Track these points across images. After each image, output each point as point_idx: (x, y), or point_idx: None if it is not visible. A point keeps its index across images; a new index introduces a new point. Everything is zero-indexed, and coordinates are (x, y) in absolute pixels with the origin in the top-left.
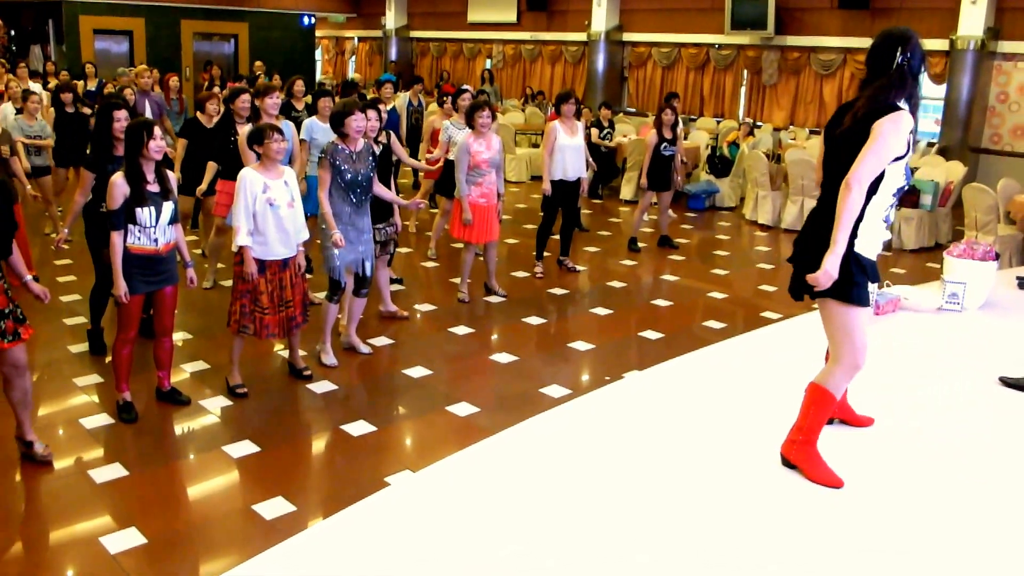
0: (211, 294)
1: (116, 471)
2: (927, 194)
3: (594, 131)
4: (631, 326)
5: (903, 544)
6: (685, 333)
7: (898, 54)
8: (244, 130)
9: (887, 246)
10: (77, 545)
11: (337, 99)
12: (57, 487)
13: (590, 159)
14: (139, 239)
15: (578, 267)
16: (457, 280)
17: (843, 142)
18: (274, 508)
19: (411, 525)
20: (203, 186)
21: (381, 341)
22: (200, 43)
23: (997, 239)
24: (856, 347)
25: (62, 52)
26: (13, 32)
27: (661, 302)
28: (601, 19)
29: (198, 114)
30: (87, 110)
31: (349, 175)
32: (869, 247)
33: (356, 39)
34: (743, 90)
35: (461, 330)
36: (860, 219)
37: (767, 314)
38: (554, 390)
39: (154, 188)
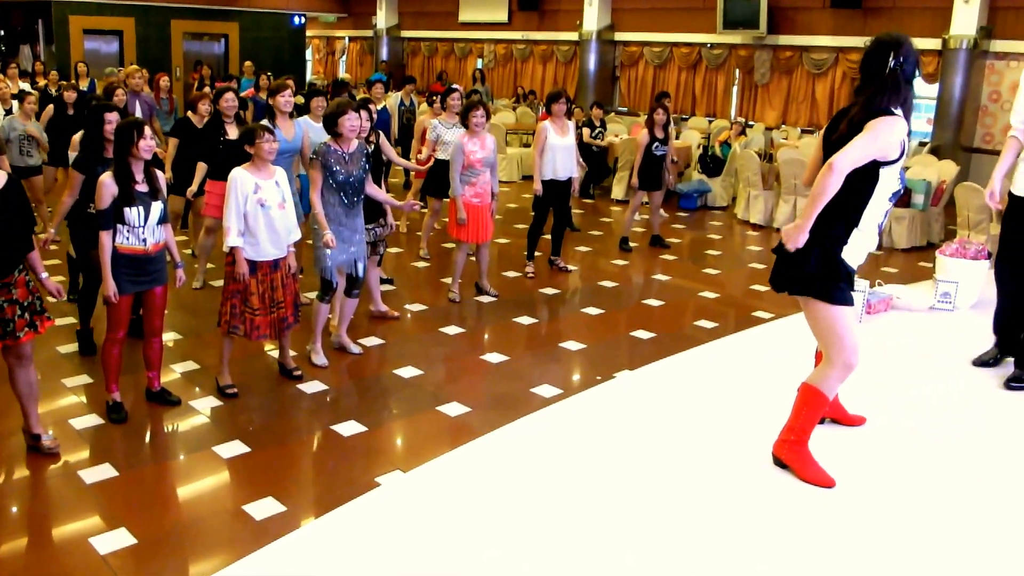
0: (201, 294)
1: (106, 471)
2: (919, 193)
3: (585, 131)
4: (622, 326)
5: (896, 543)
6: (676, 333)
7: (890, 59)
8: (231, 130)
9: (879, 245)
10: (66, 545)
11: (328, 99)
12: (47, 487)
13: (580, 159)
14: (128, 239)
15: (569, 267)
16: (448, 280)
17: (837, 147)
18: (264, 508)
19: (401, 525)
20: (193, 187)
21: (372, 341)
22: (190, 43)
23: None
24: (847, 348)
25: (51, 52)
26: (2, 32)
27: (652, 302)
28: (592, 18)
29: (189, 114)
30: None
31: (341, 176)
32: (855, 255)
33: (347, 39)
34: (735, 89)
35: (452, 330)
36: (855, 225)
37: (758, 314)
38: (545, 390)
39: (143, 188)
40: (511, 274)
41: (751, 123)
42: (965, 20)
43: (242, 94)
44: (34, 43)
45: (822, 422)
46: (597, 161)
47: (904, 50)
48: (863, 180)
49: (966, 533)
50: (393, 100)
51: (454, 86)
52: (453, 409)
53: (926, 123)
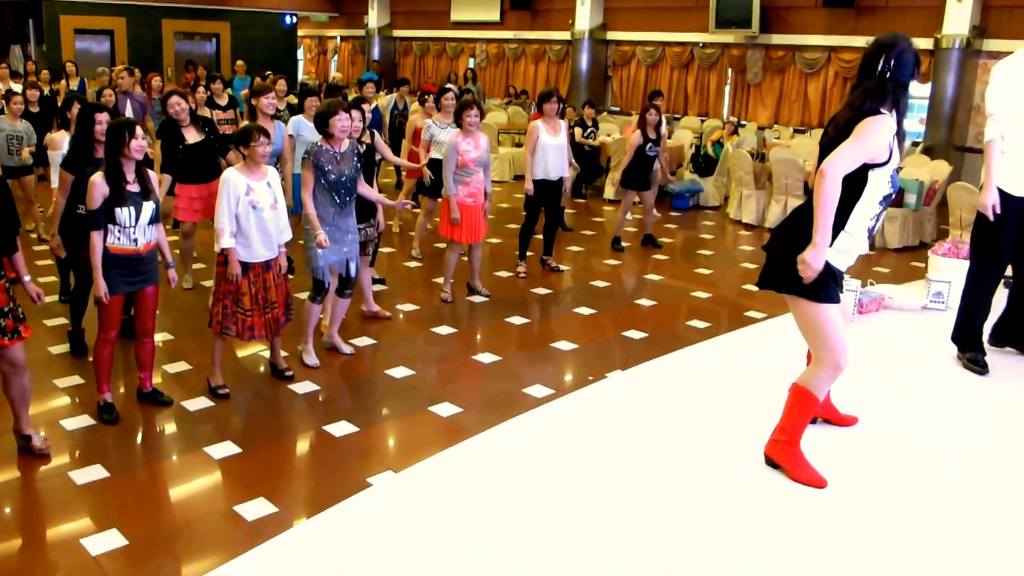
0: (191, 295)
1: (97, 472)
2: (912, 193)
3: (577, 130)
4: (614, 326)
5: (889, 543)
6: (669, 333)
7: (881, 61)
8: (189, 134)
9: (871, 245)
10: (58, 547)
11: (321, 99)
12: (38, 489)
13: (573, 159)
14: (119, 239)
15: (561, 267)
16: (440, 280)
17: (825, 151)
18: (256, 509)
19: (393, 526)
20: (159, 196)
21: (364, 341)
22: (181, 42)
23: None
24: (835, 348)
25: (42, 52)
26: None
27: (645, 302)
28: (585, 18)
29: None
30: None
31: (333, 176)
32: (842, 258)
33: (339, 38)
34: (727, 89)
35: (444, 330)
36: (842, 228)
37: (751, 314)
38: (537, 390)
39: (134, 188)
40: (503, 274)
41: (743, 122)
42: (958, 19)
43: (241, 94)
44: (25, 43)
45: (814, 422)
46: (589, 161)
47: (898, 51)
48: (851, 184)
49: (960, 533)
50: (385, 102)
51: (448, 86)
52: (445, 409)
53: (919, 123)
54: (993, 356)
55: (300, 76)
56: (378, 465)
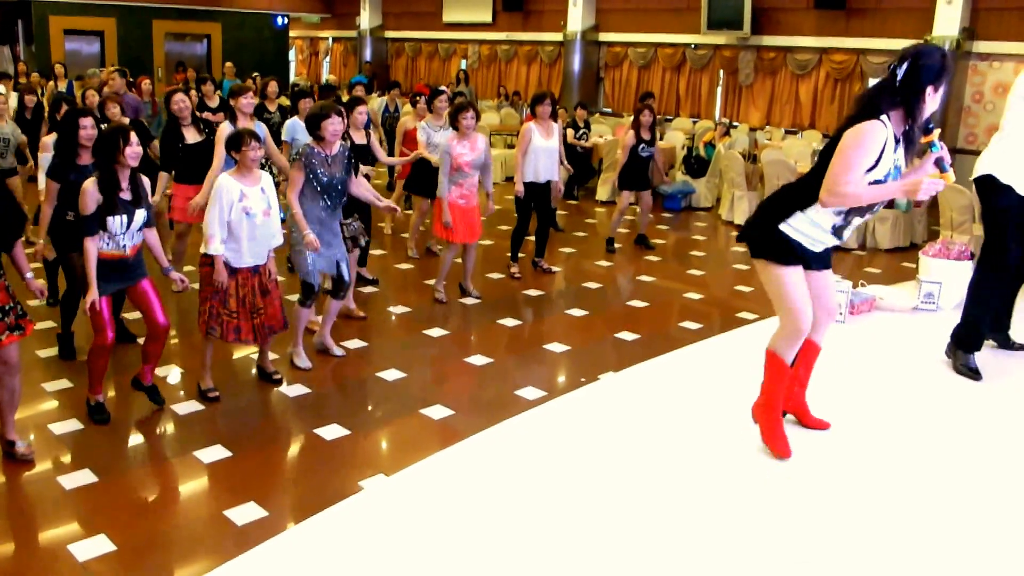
0: (183, 297)
1: (85, 477)
2: None
3: (570, 132)
4: (607, 327)
5: (882, 546)
6: (661, 334)
7: (900, 66)
8: (189, 134)
9: (862, 245)
10: (45, 553)
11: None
12: (25, 493)
13: (565, 162)
14: (107, 245)
15: (553, 268)
16: (432, 281)
17: (825, 154)
18: (245, 513)
19: (385, 530)
20: (156, 196)
21: (355, 344)
22: (172, 43)
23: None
24: (795, 311)
25: (31, 53)
26: None
27: (637, 303)
28: (577, 19)
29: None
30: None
31: (325, 178)
32: (803, 239)
33: (330, 39)
34: (719, 90)
35: (436, 332)
36: (802, 209)
37: (743, 315)
38: (529, 392)
39: (127, 195)
40: (496, 275)
41: (735, 124)
42: (947, 21)
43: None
44: (14, 44)
45: (782, 415)
46: (581, 162)
47: (918, 57)
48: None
49: (953, 534)
50: (377, 105)
51: (441, 88)
52: (437, 412)
53: None
54: (980, 354)
55: (292, 77)
56: (369, 468)
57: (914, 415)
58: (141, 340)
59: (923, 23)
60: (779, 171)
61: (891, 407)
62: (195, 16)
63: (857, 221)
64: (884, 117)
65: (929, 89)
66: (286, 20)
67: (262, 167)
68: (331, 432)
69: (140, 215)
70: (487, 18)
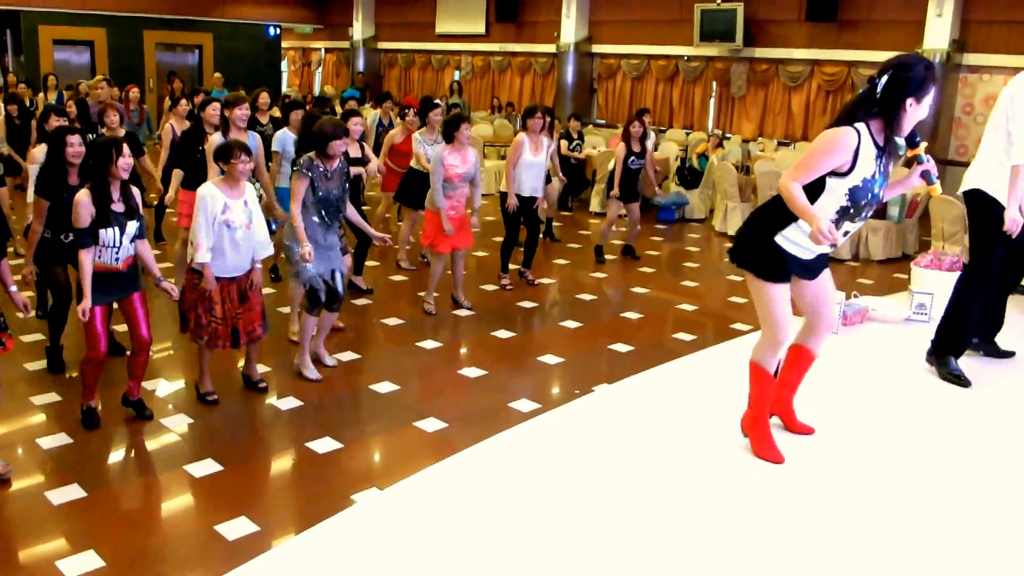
0: (175, 307)
1: (74, 492)
2: (894, 205)
3: (563, 143)
4: (600, 339)
5: (877, 551)
6: (655, 345)
7: (878, 78)
8: (213, 138)
9: (855, 256)
10: (32, 569)
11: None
12: (12, 509)
13: (560, 172)
14: (100, 257)
15: (536, 281)
16: (424, 293)
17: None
18: (237, 528)
19: (378, 544)
20: (171, 193)
21: (347, 356)
22: (163, 54)
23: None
24: (774, 321)
25: (20, 63)
26: None
27: (631, 314)
28: (570, 31)
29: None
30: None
31: (321, 193)
32: (797, 250)
33: (323, 50)
34: (712, 102)
35: (429, 344)
36: (794, 220)
37: (737, 326)
38: (523, 404)
39: (119, 208)
40: (489, 287)
41: (728, 135)
42: (938, 34)
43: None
44: (3, 54)
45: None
46: (575, 173)
47: (899, 68)
48: (808, 188)
49: (946, 539)
50: (370, 119)
51: (436, 101)
52: (430, 424)
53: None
54: (966, 362)
55: (284, 88)
56: (362, 482)
57: (907, 424)
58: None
59: (914, 35)
60: (772, 182)
61: (884, 416)
62: (186, 26)
63: (847, 226)
64: (860, 125)
65: (909, 100)
66: (278, 31)
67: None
68: (323, 445)
69: (132, 227)
70: (480, 29)
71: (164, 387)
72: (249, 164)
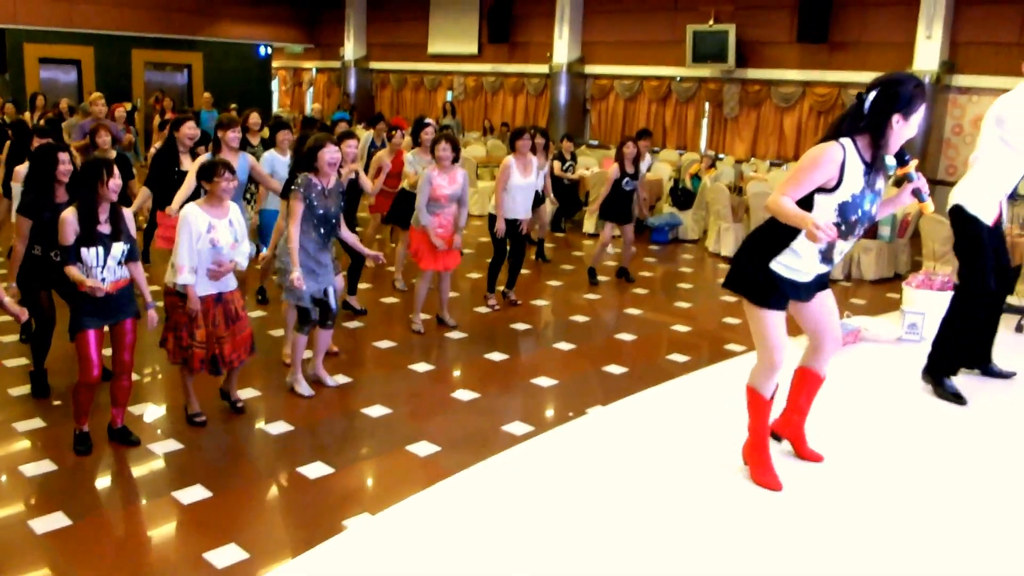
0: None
1: (59, 520)
2: (885, 225)
3: (556, 164)
4: (594, 361)
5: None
6: (649, 367)
7: (866, 95)
8: (185, 161)
9: (847, 276)
10: None
11: (293, 132)
12: None
13: (552, 194)
14: (86, 277)
15: (519, 301)
16: (424, 316)
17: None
18: (226, 556)
19: (369, 571)
20: (133, 207)
21: (339, 379)
22: (152, 73)
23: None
24: (770, 346)
25: (6, 81)
26: None
27: (624, 336)
28: (563, 51)
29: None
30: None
31: (320, 211)
32: (793, 274)
33: (314, 70)
34: (705, 122)
35: (421, 367)
36: (787, 245)
37: (731, 347)
38: (516, 427)
39: (105, 229)
40: (481, 309)
41: (721, 156)
42: (927, 55)
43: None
44: None
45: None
46: (568, 194)
47: (888, 85)
48: (798, 205)
49: (936, 564)
50: (364, 140)
51: (427, 120)
52: (422, 448)
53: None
54: (964, 380)
55: (275, 108)
56: (354, 507)
57: (902, 444)
58: None
59: (904, 57)
60: (764, 203)
61: (879, 437)
62: (175, 45)
63: (840, 245)
64: (846, 140)
65: (896, 117)
66: (269, 50)
67: (248, 198)
68: (314, 470)
69: (118, 248)
70: (473, 50)
71: (152, 412)
72: (233, 182)
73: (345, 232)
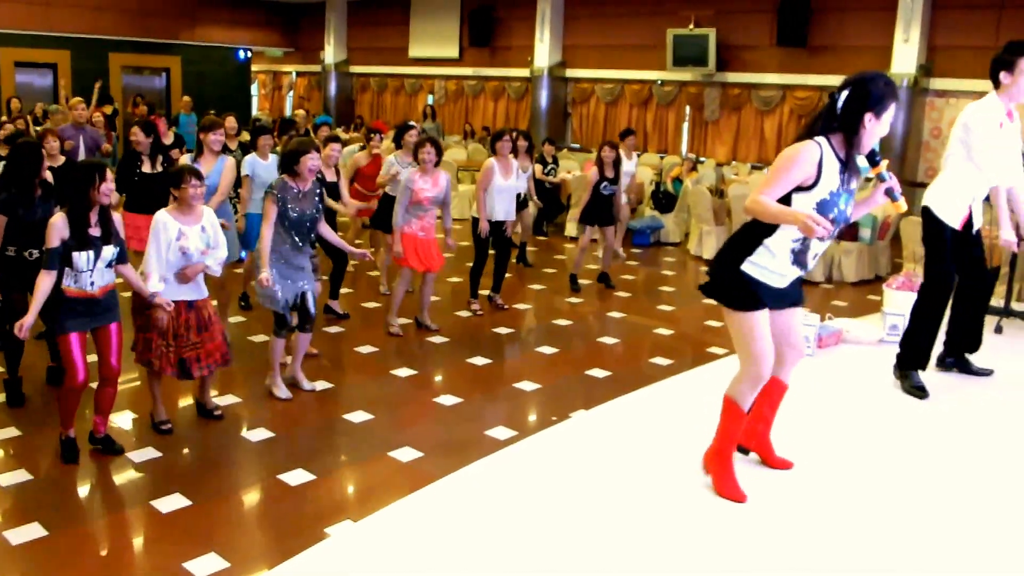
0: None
1: (34, 531)
2: (866, 228)
3: (538, 167)
4: (577, 364)
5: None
6: (632, 371)
7: (838, 94)
8: (146, 164)
9: (828, 278)
10: None
11: (275, 136)
12: None
13: (535, 196)
14: (74, 283)
15: (506, 305)
16: (403, 320)
17: None
18: (206, 565)
19: None
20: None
21: (321, 384)
22: (130, 77)
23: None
24: (753, 355)
25: None
26: None
27: (607, 339)
28: (544, 55)
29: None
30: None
31: (295, 214)
32: (766, 275)
33: (294, 74)
34: (686, 126)
35: (403, 372)
36: (760, 243)
37: (713, 349)
38: (500, 432)
39: (96, 232)
40: (463, 313)
41: (702, 159)
42: (905, 59)
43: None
44: None
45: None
46: (550, 198)
47: (860, 83)
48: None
49: (916, 566)
50: (350, 146)
51: (411, 123)
52: (405, 454)
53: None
54: (941, 380)
55: (254, 112)
56: (336, 514)
57: (882, 446)
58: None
59: (882, 60)
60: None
61: (860, 439)
62: (153, 49)
63: (816, 247)
64: (820, 139)
65: (868, 115)
66: (248, 54)
67: (233, 200)
68: (296, 477)
69: (108, 251)
70: (454, 53)
71: (129, 419)
72: (200, 188)
73: (327, 232)
